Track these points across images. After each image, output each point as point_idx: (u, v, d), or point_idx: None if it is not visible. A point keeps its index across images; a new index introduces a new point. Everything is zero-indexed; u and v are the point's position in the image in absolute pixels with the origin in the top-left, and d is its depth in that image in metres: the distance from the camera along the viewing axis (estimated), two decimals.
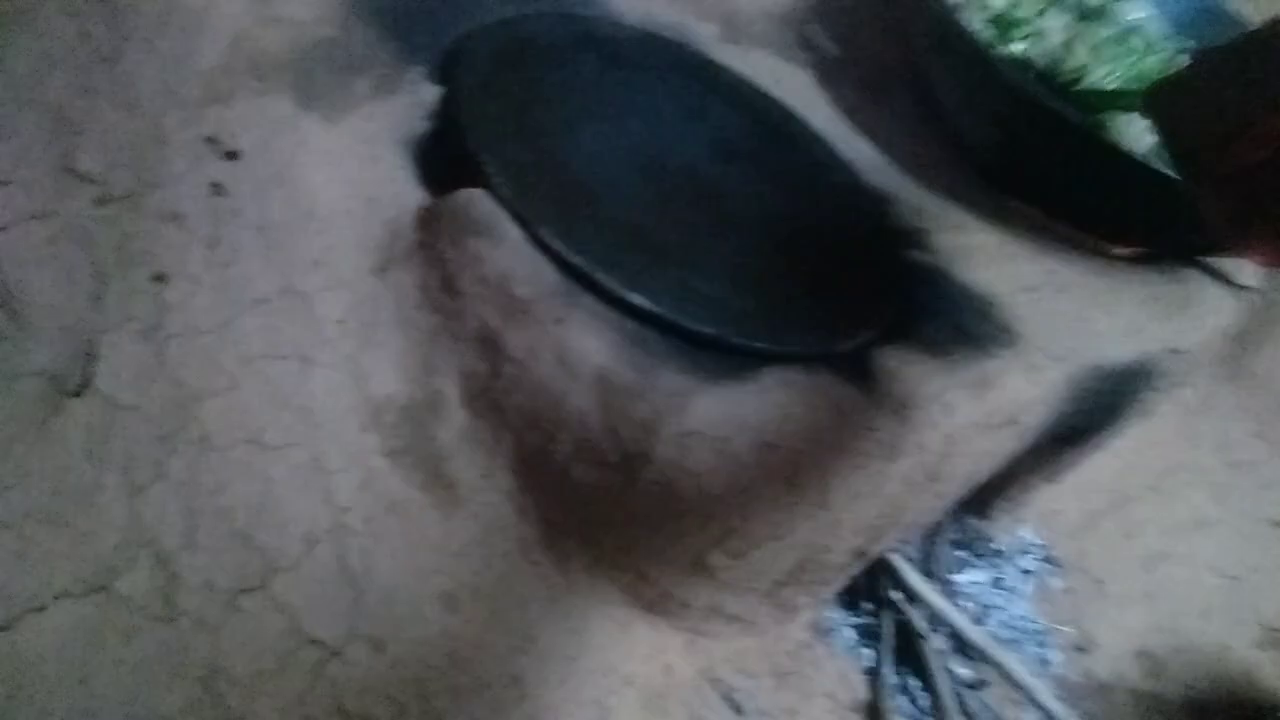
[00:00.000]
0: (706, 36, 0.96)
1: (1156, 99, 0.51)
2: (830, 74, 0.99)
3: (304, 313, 0.60)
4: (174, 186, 0.61)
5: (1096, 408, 0.89)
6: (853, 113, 0.95)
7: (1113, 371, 0.83)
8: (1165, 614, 1.15)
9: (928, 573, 1.08)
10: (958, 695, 0.98)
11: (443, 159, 0.67)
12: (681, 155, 0.80)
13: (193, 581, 0.54)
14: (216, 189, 0.61)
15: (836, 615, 1.01)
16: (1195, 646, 1.13)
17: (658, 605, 0.79)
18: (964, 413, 0.70)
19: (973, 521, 1.14)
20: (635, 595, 0.76)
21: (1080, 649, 1.10)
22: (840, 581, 0.91)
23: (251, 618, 0.54)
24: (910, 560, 1.08)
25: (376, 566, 0.58)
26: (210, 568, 0.54)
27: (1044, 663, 1.07)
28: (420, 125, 0.69)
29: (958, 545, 1.13)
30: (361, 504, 0.59)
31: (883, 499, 0.72)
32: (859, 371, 0.68)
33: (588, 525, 0.68)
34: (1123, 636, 1.12)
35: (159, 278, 0.59)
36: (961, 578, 1.11)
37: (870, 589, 1.03)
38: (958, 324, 0.75)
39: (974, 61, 0.86)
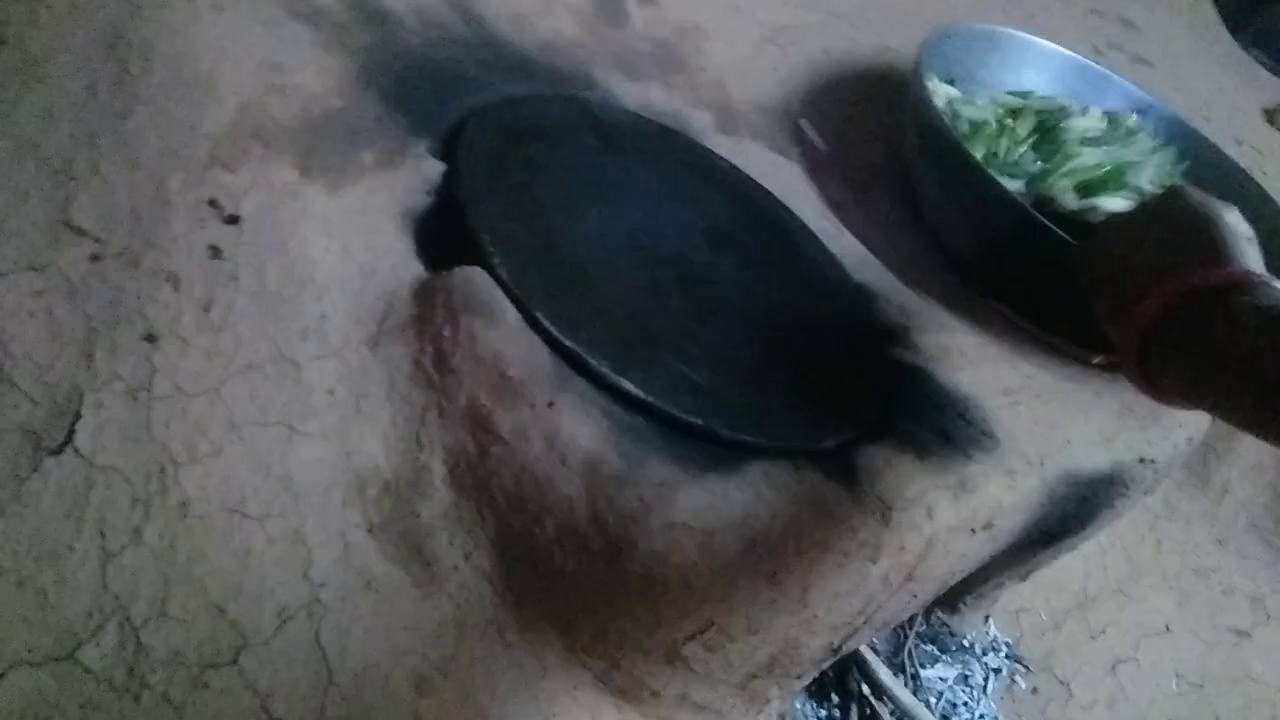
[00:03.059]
0: (701, 125, 0.98)
1: (1081, 253, 0.59)
2: (819, 169, 1.02)
3: (294, 381, 0.59)
4: (171, 247, 0.61)
5: (1069, 513, 0.90)
6: (839, 208, 0.98)
7: (1086, 479, 0.85)
8: (1128, 719, 1.15)
9: (896, 666, 1.08)
10: None
11: (442, 234, 0.67)
12: (675, 241, 0.81)
13: (160, 654, 0.52)
14: (215, 252, 0.61)
15: (805, 707, 1.00)
16: None
17: (629, 693, 0.78)
18: (943, 516, 0.71)
19: (942, 616, 1.14)
20: (607, 682, 0.75)
21: None
22: (811, 674, 0.90)
23: (218, 695, 0.52)
24: (879, 653, 1.08)
25: (349, 645, 0.57)
26: (180, 640, 0.53)
27: None
28: (422, 200, 0.69)
29: (927, 639, 1.13)
30: (339, 579, 0.57)
31: (861, 598, 0.71)
32: (843, 469, 0.69)
33: (565, 611, 0.67)
34: None
35: (149, 338, 0.58)
36: (929, 673, 1.10)
37: (839, 681, 1.02)
38: (940, 426, 0.76)
39: (959, 169, 0.89)
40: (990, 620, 1.16)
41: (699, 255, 0.82)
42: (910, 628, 1.11)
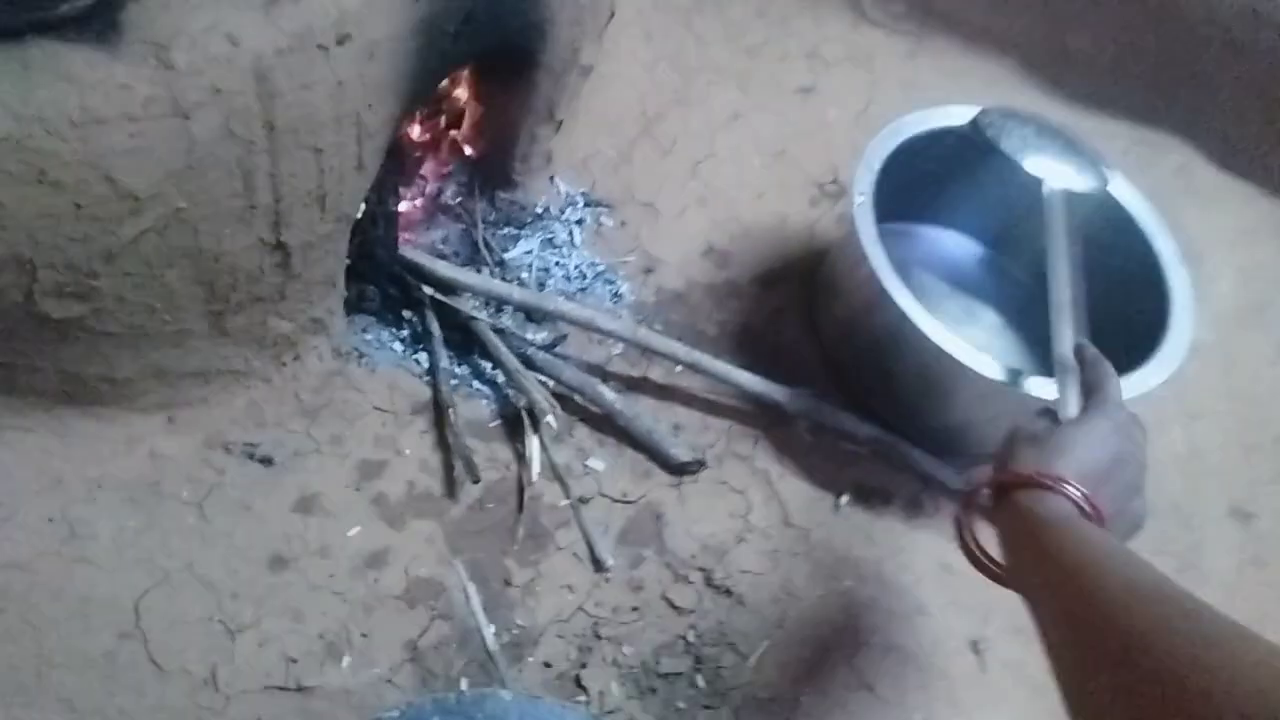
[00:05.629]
0: None
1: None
2: None
3: None
4: None
5: (501, 5, 0.82)
6: None
7: None
8: (721, 209, 1.17)
9: (479, 263, 1.04)
10: (527, 358, 0.96)
11: None
12: None
13: None
14: None
15: (378, 335, 0.96)
16: (756, 228, 1.16)
17: (81, 394, 0.69)
18: (258, 39, 0.61)
19: (505, 195, 1.10)
20: (32, 390, 0.66)
21: (648, 270, 1.10)
22: (325, 291, 0.84)
23: None
24: (447, 256, 1.03)
25: None
26: None
27: (618, 296, 1.07)
28: None
29: (500, 225, 1.09)
30: None
31: (222, 169, 0.63)
32: (99, 30, 0.57)
33: None
34: (685, 245, 1.13)
35: None
36: (513, 253, 1.07)
37: (406, 299, 0.98)
38: None
39: None
40: (556, 179, 1.12)
41: None
42: (477, 221, 1.07)
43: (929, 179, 1.08)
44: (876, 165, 0.97)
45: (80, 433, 0.70)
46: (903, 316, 0.87)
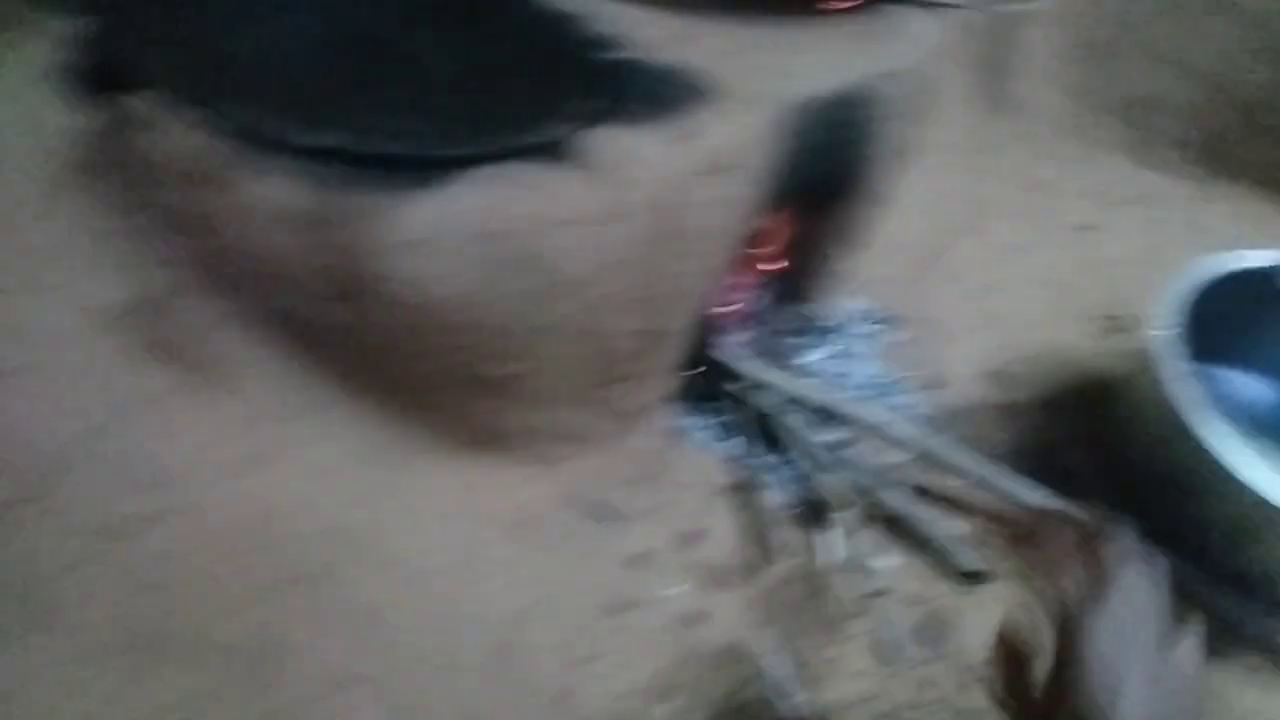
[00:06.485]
0: None
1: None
2: None
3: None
4: None
5: (835, 144, 0.94)
6: None
7: (821, 103, 0.88)
8: (1006, 334, 1.22)
9: (774, 365, 1.14)
10: (821, 458, 1.04)
11: (97, 79, 0.69)
12: (366, 24, 0.84)
13: None
14: None
15: (691, 421, 1.07)
16: (1041, 354, 1.20)
17: (482, 440, 0.83)
18: (670, 164, 0.75)
19: (802, 309, 1.20)
20: (453, 435, 0.80)
21: (935, 387, 1.16)
22: (666, 377, 0.96)
23: (35, 519, 0.57)
24: (752, 357, 1.14)
25: (160, 451, 0.62)
26: None
27: (904, 408, 1.13)
28: (68, 56, 0.71)
29: (795, 334, 1.19)
30: (119, 404, 0.62)
31: (632, 266, 0.76)
32: (562, 154, 0.73)
33: (366, 371, 0.71)
34: (971, 365, 1.19)
35: None
36: (809, 359, 1.16)
37: (719, 392, 1.09)
38: (654, 95, 0.80)
39: None
40: (849, 296, 1.22)
41: (395, 30, 0.85)
42: (776, 328, 1.17)
43: (1222, 319, 1.09)
44: (1181, 302, 1.00)
45: (470, 474, 0.84)
46: (1207, 454, 0.88)
